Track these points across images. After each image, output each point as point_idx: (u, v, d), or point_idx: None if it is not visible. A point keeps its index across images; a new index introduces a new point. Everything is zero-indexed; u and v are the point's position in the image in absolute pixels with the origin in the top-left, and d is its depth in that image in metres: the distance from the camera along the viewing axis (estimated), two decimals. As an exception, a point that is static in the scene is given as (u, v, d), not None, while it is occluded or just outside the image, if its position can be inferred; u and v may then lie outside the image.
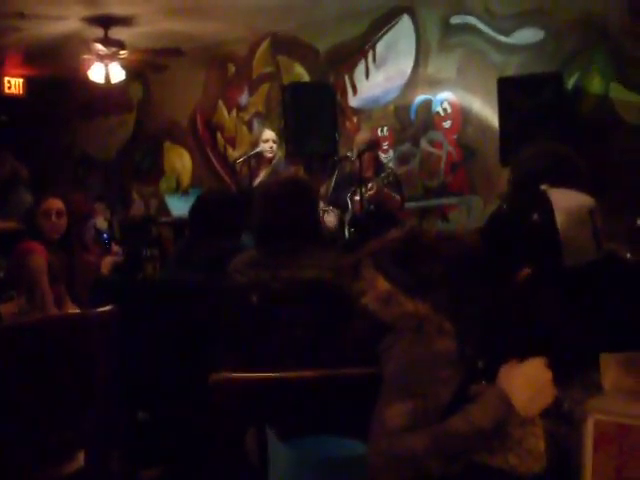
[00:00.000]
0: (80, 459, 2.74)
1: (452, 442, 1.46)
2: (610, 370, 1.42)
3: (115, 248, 4.84)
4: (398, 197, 5.86)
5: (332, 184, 6.20)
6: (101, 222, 6.66)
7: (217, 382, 1.67)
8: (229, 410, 1.71)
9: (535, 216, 1.61)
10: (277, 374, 1.80)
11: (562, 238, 1.57)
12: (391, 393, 1.53)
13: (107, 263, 4.56)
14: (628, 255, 5.05)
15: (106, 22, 7.33)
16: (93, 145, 10.02)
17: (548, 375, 1.53)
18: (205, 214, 3.73)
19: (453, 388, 1.51)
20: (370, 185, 5.78)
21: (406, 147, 7.28)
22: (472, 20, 6.86)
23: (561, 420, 1.53)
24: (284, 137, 7.07)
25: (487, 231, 1.71)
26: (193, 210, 3.84)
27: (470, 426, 1.46)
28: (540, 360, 1.55)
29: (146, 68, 8.61)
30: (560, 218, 1.58)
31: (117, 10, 7.08)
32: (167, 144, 9.45)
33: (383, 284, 1.62)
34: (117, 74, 7.72)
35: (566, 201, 1.61)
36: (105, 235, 5.16)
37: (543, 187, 1.68)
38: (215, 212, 3.69)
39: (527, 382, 1.51)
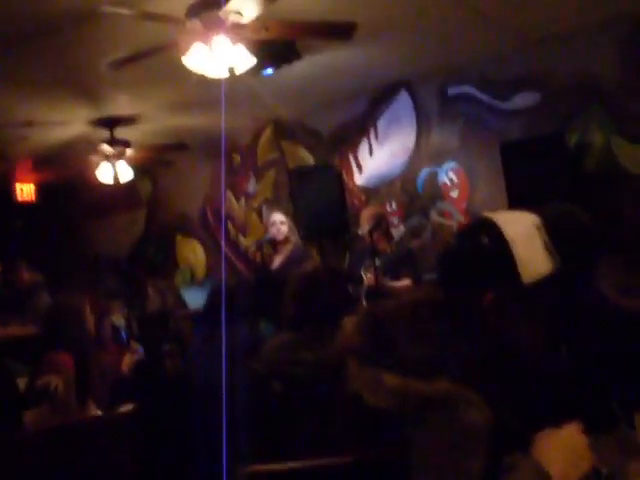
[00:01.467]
0: None
1: None
2: None
3: (134, 345, 4.81)
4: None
5: (346, 262, 6.22)
6: (118, 319, 6.64)
7: (248, 476, 1.63)
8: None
9: (485, 239, 1.60)
10: (303, 463, 1.76)
11: (516, 256, 1.56)
12: (425, 474, 1.48)
13: (127, 362, 4.53)
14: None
15: (111, 123, 7.48)
16: (106, 244, 10.10)
17: (584, 440, 1.48)
18: (218, 304, 3.73)
19: (485, 461, 1.46)
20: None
21: (416, 220, 7.29)
22: (469, 89, 6.95)
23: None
24: (295, 221, 7.12)
25: (440, 270, 1.69)
26: (206, 302, 3.85)
27: None
28: (575, 426, 1.51)
29: (153, 164, 8.74)
30: (509, 237, 1.57)
31: (121, 110, 7.23)
32: (179, 237, 9.51)
33: (391, 379, 1.57)
34: (125, 173, 7.82)
35: (512, 221, 1.62)
36: (123, 333, 5.14)
37: (486, 214, 1.69)
38: (229, 301, 3.70)
39: (563, 450, 1.46)
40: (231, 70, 4.87)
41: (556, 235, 2.10)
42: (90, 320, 4.12)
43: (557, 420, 1.53)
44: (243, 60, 4.82)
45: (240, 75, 6.04)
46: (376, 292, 5.69)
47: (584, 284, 2.04)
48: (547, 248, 1.60)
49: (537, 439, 1.49)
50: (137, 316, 7.58)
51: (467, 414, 1.48)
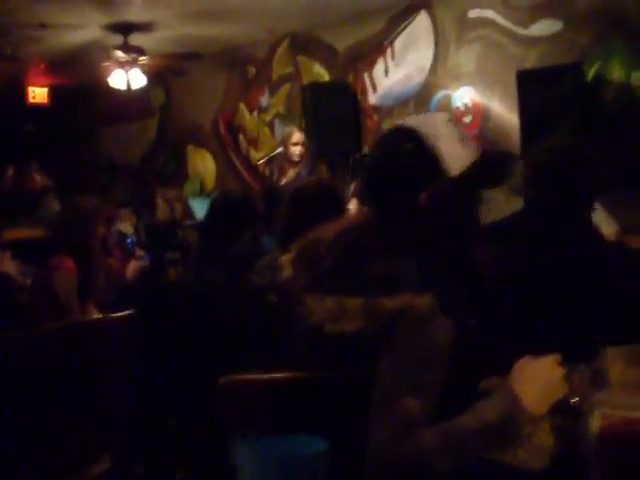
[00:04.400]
0: (106, 461, 2.78)
1: (462, 439, 1.46)
2: (616, 363, 1.41)
3: (139, 253, 4.88)
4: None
5: (354, 182, 6.20)
6: (127, 227, 6.71)
7: (223, 385, 1.69)
8: (233, 413, 1.72)
9: (409, 144, 1.62)
10: (270, 375, 1.80)
11: (441, 151, 1.59)
12: (397, 389, 1.53)
13: (132, 268, 4.60)
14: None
15: (125, 29, 7.40)
16: (117, 151, 10.10)
17: (560, 373, 1.52)
18: (217, 217, 3.77)
19: (443, 376, 1.51)
20: None
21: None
22: (489, 13, 6.82)
23: (569, 414, 1.52)
24: (306, 138, 7.11)
25: (369, 184, 1.70)
26: (207, 213, 3.89)
27: (480, 423, 1.46)
28: (553, 358, 1.54)
29: (167, 73, 8.68)
30: (430, 136, 1.60)
31: (135, 16, 7.14)
32: (190, 147, 9.51)
33: (354, 302, 1.57)
34: (138, 80, 7.78)
35: (426, 121, 1.67)
36: (129, 240, 5.19)
37: (398, 122, 1.72)
38: (226, 215, 3.73)
39: (539, 381, 1.50)
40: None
41: (552, 166, 2.13)
42: (99, 225, 4.16)
43: (538, 349, 1.57)
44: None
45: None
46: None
47: (572, 216, 2.06)
48: (463, 138, 1.65)
49: (515, 367, 1.54)
50: (145, 224, 7.66)
51: (432, 329, 1.52)
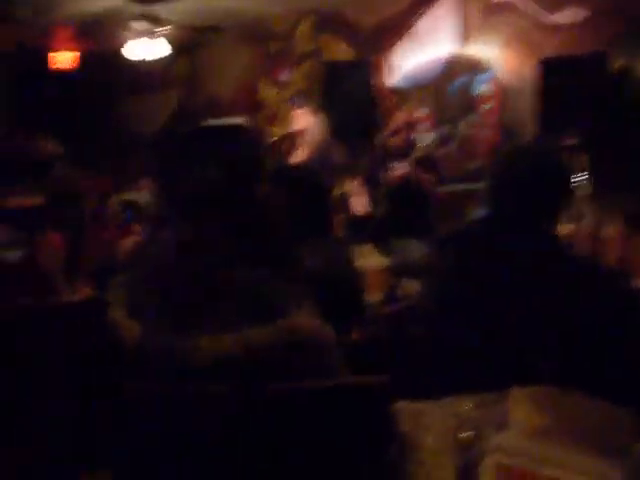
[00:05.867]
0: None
1: None
2: (520, 405, 1.26)
3: (135, 227, 4.75)
4: (431, 176, 5.67)
5: (368, 163, 6.10)
6: (145, 196, 6.55)
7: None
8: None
9: None
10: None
11: None
12: None
13: (124, 244, 4.46)
14: None
15: (147, -1, 7.30)
16: (139, 121, 10.01)
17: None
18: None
19: None
20: (398, 165, 5.66)
21: (446, 128, 7.11)
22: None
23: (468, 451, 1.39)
24: (326, 116, 7.01)
25: None
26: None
27: None
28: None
29: (187, 45, 8.57)
30: None
31: (156, -14, 7.04)
32: (211, 121, 9.40)
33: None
34: (158, 51, 7.69)
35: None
36: (128, 214, 5.06)
37: None
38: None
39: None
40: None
41: (509, 174, 2.00)
42: (90, 199, 4.09)
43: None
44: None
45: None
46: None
47: (530, 227, 1.94)
48: None
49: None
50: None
51: None
